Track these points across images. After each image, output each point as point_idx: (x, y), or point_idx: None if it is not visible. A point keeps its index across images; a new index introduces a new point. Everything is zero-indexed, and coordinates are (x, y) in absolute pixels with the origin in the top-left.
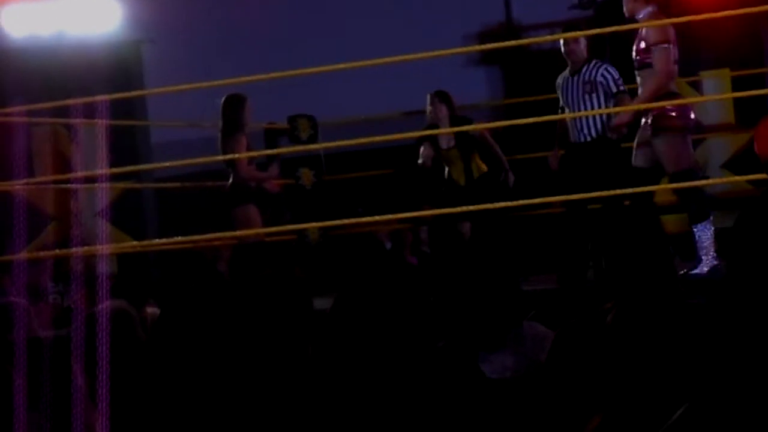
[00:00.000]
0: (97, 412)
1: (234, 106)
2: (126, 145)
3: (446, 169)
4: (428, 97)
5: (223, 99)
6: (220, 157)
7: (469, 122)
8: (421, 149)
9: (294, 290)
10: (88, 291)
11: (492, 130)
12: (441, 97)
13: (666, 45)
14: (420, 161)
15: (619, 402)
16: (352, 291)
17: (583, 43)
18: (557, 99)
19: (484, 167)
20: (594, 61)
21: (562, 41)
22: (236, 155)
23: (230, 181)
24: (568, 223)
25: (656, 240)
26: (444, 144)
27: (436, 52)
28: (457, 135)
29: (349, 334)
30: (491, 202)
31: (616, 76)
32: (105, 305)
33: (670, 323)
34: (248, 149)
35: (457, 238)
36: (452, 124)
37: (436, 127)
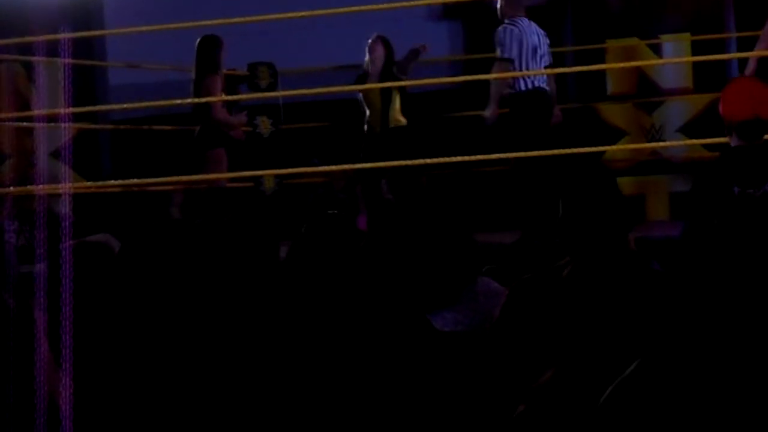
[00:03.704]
0: (59, 352)
1: (210, 47)
2: (83, 86)
3: (366, 113)
4: (369, 40)
5: (198, 40)
6: (195, 100)
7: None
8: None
9: (253, 237)
10: (48, 230)
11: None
12: (382, 39)
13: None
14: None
15: (571, 357)
16: (303, 242)
17: (501, 3)
18: None
19: (402, 120)
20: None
21: None
22: (210, 98)
23: (202, 122)
24: (527, 180)
25: (613, 199)
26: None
27: (397, 4)
28: (383, 80)
29: (301, 286)
30: (403, 156)
31: (500, 40)
32: (75, 242)
33: (623, 281)
34: (224, 93)
35: (416, 188)
36: (384, 69)
37: (368, 73)
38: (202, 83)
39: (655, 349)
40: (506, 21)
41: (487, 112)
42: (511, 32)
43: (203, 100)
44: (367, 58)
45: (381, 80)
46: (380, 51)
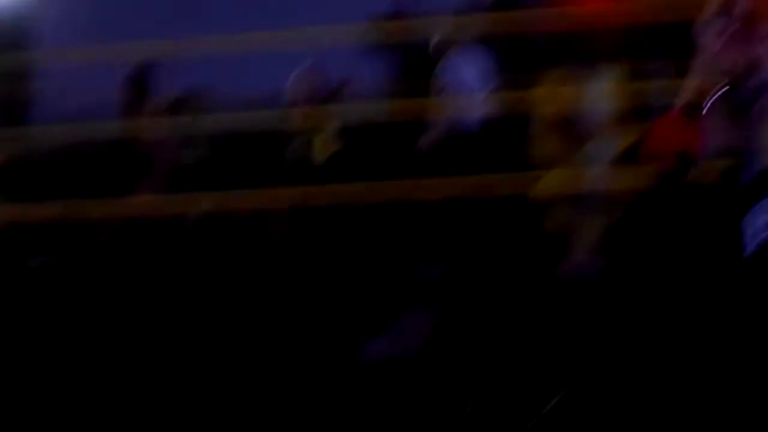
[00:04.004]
0: None
1: (147, 72)
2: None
3: (297, 142)
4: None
5: (135, 65)
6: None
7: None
8: None
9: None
10: None
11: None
12: (311, 70)
13: None
14: None
15: (494, 391)
16: (238, 271)
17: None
18: None
19: (332, 150)
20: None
21: None
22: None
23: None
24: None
25: (535, 234)
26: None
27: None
28: (312, 110)
29: (235, 313)
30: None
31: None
32: None
33: (545, 315)
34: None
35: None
36: (314, 100)
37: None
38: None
39: (578, 382)
40: (445, 56)
41: (426, 140)
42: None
43: (140, 124)
44: (295, 88)
45: (311, 110)
46: (310, 82)
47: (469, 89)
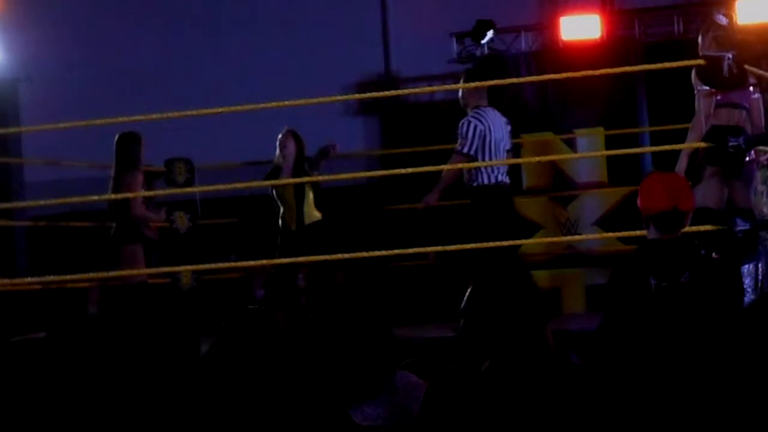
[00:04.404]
0: None
1: (129, 143)
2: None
3: (280, 209)
4: (280, 135)
5: (117, 136)
6: (113, 196)
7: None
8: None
9: (172, 334)
10: None
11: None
12: (293, 134)
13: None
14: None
15: None
16: (224, 338)
17: (463, 92)
18: (433, 151)
19: (317, 215)
20: (470, 112)
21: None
22: (127, 194)
23: (119, 219)
24: (452, 273)
25: (529, 293)
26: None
27: (314, 100)
28: (295, 175)
29: (222, 381)
30: (320, 251)
31: (464, 133)
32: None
33: (542, 374)
34: (143, 189)
35: (332, 285)
36: (296, 164)
37: (280, 168)
38: (121, 179)
39: None
40: (471, 112)
41: (427, 198)
42: (475, 128)
43: (121, 196)
44: (278, 153)
45: (293, 175)
46: (291, 146)
47: (496, 150)
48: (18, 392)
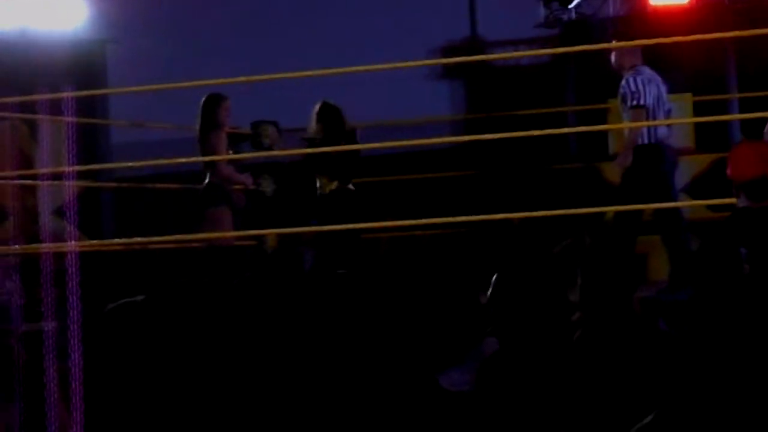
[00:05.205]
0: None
1: (213, 104)
2: (86, 144)
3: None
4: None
5: (203, 98)
6: (198, 159)
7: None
8: None
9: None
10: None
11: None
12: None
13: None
14: None
15: (579, 418)
16: (313, 300)
17: (616, 52)
18: (519, 115)
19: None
20: (630, 71)
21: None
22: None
23: (206, 180)
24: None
25: (619, 259)
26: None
27: (400, 64)
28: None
29: (313, 343)
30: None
31: (633, 88)
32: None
33: (630, 342)
34: (228, 150)
35: (415, 251)
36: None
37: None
38: (206, 140)
39: (670, 402)
40: (629, 71)
41: (620, 161)
42: (642, 80)
43: (207, 159)
44: (313, 123)
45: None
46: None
47: (658, 105)
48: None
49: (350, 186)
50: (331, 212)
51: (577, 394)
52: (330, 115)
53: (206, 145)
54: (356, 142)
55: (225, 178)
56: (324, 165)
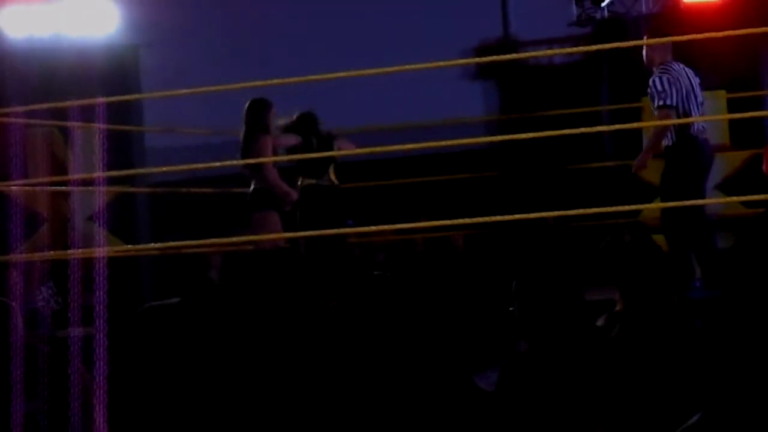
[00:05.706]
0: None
1: (259, 109)
2: (120, 149)
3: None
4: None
5: (248, 102)
6: (234, 162)
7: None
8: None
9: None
10: (86, 293)
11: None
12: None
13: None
14: None
15: (617, 416)
16: (349, 303)
17: (647, 49)
18: (552, 115)
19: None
20: (659, 68)
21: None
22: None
23: (252, 186)
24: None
25: (657, 258)
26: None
27: (433, 64)
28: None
29: (349, 346)
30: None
31: (659, 88)
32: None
33: (670, 340)
34: (274, 154)
35: (451, 251)
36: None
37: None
38: (252, 144)
39: (717, 401)
40: (658, 69)
41: (638, 163)
42: (668, 80)
43: (249, 161)
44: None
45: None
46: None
47: (688, 100)
48: (155, 356)
49: (327, 182)
50: (303, 206)
51: (617, 392)
52: (307, 123)
53: (252, 150)
54: (331, 147)
55: (272, 183)
56: (300, 166)
